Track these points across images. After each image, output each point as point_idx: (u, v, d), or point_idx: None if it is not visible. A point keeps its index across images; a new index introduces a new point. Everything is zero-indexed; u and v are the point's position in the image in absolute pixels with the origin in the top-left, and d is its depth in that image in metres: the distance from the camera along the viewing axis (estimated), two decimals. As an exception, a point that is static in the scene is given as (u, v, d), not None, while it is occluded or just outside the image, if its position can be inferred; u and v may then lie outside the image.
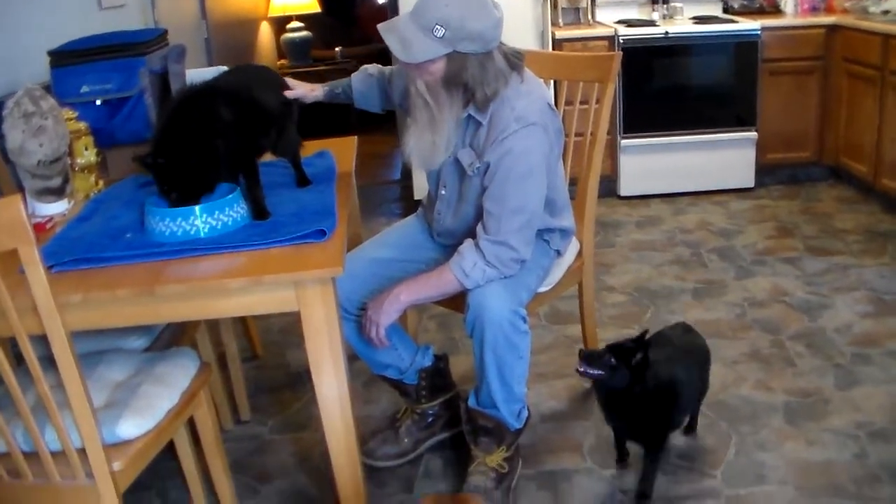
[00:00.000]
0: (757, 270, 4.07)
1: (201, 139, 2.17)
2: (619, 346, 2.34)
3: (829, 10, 5.40)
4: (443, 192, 2.49)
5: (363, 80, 2.68)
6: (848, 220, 4.69)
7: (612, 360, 2.32)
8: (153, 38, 3.08)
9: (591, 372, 2.34)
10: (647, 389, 2.33)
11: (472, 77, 2.20)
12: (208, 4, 5.39)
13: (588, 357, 2.36)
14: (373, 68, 2.71)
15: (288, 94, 2.52)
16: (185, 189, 2.17)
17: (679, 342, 2.55)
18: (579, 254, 2.86)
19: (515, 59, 2.28)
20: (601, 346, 3.06)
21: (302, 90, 2.58)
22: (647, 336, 2.36)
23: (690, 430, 2.74)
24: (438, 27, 2.11)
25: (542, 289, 2.61)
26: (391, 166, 6.57)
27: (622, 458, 2.62)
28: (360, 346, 2.56)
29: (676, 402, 2.45)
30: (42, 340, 1.84)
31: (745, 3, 5.51)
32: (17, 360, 2.19)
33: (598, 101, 2.82)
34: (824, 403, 2.90)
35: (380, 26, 2.21)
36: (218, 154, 2.20)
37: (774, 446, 2.69)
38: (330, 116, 4.87)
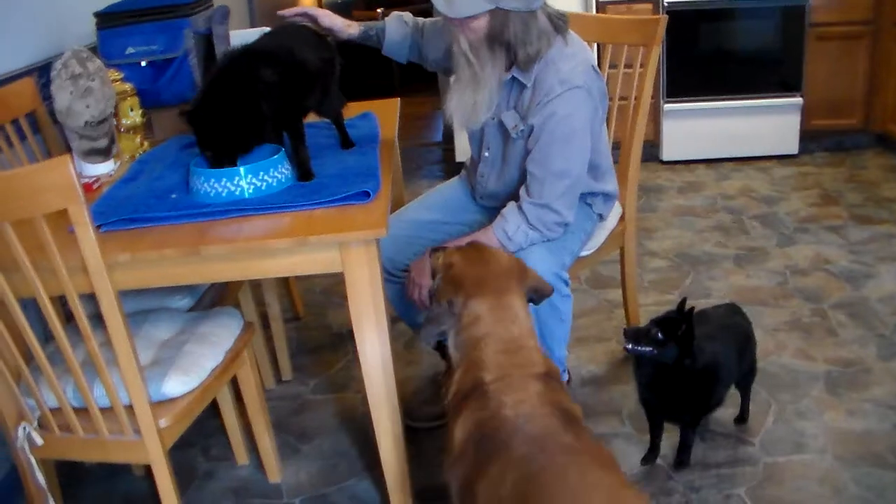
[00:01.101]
0: (799, 238, 4.02)
1: (245, 100, 2.19)
2: (664, 320, 2.27)
3: (880, -28, 5.26)
4: (486, 154, 2.48)
5: (397, 29, 2.62)
6: (894, 188, 4.61)
7: (659, 334, 2.25)
8: (197, 0, 3.08)
9: (641, 349, 2.27)
10: (689, 366, 2.28)
11: (515, 35, 2.19)
12: (251, -35, 5.38)
13: (634, 334, 2.28)
14: (408, 17, 2.65)
15: (322, 22, 2.48)
16: (221, 148, 2.18)
17: (721, 322, 2.50)
18: (621, 218, 2.84)
19: (560, 21, 2.27)
20: (641, 310, 3.08)
21: (339, 23, 2.53)
22: (689, 307, 2.29)
23: (742, 419, 2.66)
24: None
25: (585, 252, 2.60)
26: (433, 128, 6.55)
27: (654, 449, 2.53)
28: (403, 308, 2.58)
29: (715, 383, 2.39)
30: (90, 299, 1.87)
31: (793, -35, 5.40)
32: (66, 318, 2.23)
33: (642, 65, 2.79)
34: (866, 373, 2.88)
35: None
36: (261, 115, 2.21)
37: (814, 415, 2.68)
38: (372, 77, 4.86)
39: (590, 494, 1.46)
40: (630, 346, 2.28)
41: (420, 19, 2.65)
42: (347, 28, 2.54)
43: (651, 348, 2.26)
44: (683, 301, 2.29)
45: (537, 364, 1.76)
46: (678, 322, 2.26)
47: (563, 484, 1.47)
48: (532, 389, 1.68)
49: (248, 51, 2.30)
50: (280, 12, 2.51)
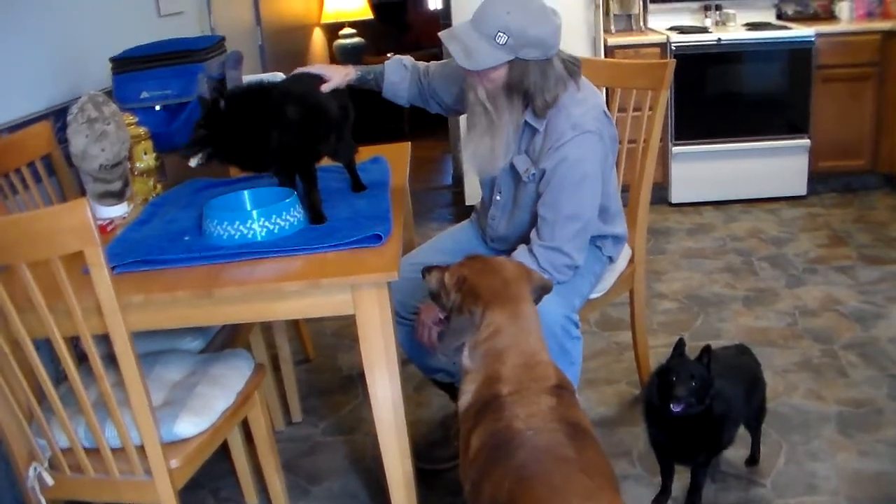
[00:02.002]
0: (809, 279, 4.03)
1: (258, 122, 2.25)
2: (682, 374, 2.23)
3: (886, 15, 5.31)
4: (497, 197, 2.50)
5: (396, 71, 2.61)
6: (903, 229, 4.62)
7: (686, 389, 2.21)
8: (211, 45, 3.13)
9: (688, 408, 2.24)
10: (699, 410, 2.28)
11: (534, 84, 2.22)
12: (263, 11, 5.46)
13: (677, 397, 2.22)
14: (407, 60, 2.65)
15: (324, 87, 2.45)
16: (218, 149, 2.24)
17: (730, 363, 2.49)
18: (631, 260, 2.85)
19: (573, 66, 2.29)
20: (651, 353, 3.08)
21: (337, 78, 2.48)
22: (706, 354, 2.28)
23: (753, 461, 2.65)
24: (501, 34, 2.13)
25: (595, 295, 2.61)
26: (443, 171, 6.60)
27: (665, 491, 2.51)
28: (412, 350, 2.59)
29: (723, 423, 2.37)
30: (101, 340, 1.89)
31: (798, 9, 5.46)
32: (77, 359, 2.24)
33: (650, 109, 2.82)
34: (877, 414, 2.87)
35: (441, 34, 2.23)
36: (266, 142, 2.26)
37: (826, 456, 2.67)
38: (382, 121, 4.90)
39: (568, 497, 1.59)
40: (679, 408, 2.23)
41: (422, 63, 2.67)
42: (345, 77, 2.51)
43: (691, 402, 2.24)
44: (707, 347, 2.28)
45: (551, 378, 1.86)
46: (694, 370, 2.25)
47: (545, 486, 1.62)
48: (545, 403, 1.79)
49: (280, 88, 2.36)
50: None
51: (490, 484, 1.70)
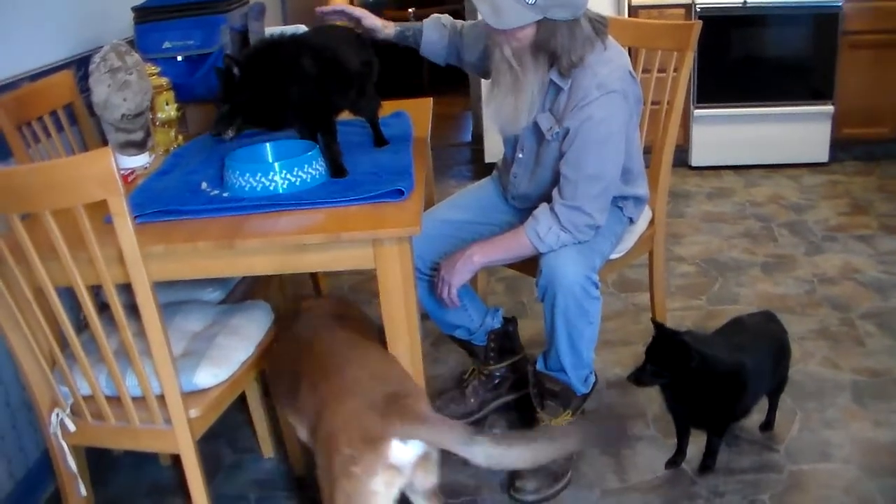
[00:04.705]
0: (828, 247, 4.01)
1: (277, 80, 2.24)
2: (652, 349, 2.31)
3: (916, -19, 5.21)
4: (520, 155, 2.49)
5: (435, 29, 2.61)
6: (925, 198, 4.59)
7: (651, 368, 2.30)
8: (234, -4, 3.12)
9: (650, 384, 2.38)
10: (713, 376, 2.29)
11: (561, 44, 2.19)
12: (285, -38, 5.42)
13: (636, 379, 2.33)
14: (446, 19, 2.65)
15: (365, 23, 2.48)
16: (236, 110, 2.24)
17: (755, 330, 2.49)
18: (651, 222, 2.84)
19: (600, 26, 2.27)
20: (668, 315, 3.08)
21: (378, 24, 2.53)
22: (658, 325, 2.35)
23: (767, 426, 2.66)
24: None
25: (614, 255, 2.61)
26: (463, 128, 6.55)
27: (679, 453, 2.53)
28: (431, 306, 2.59)
29: (742, 392, 2.38)
30: (122, 289, 1.89)
31: (827, -28, 5.36)
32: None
33: (675, 70, 2.79)
34: (893, 384, 2.86)
35: None
36: (286, 100, 2.26)
37: (840, 424, 2.67)
38: (402, 76, 4.87)
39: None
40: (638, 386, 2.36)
41: (459, 22, 2.66)
42: (385, 28, 2.54)
43: (657, 381, 2.34)
44: (658, 325, 2.33)
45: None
46: (666, 346, 2.29)
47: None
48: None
49: (295, 40, 2.34)
50: (319, 10, 2.52)
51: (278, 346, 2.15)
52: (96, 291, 2.17)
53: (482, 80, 4.95)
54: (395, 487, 1.72)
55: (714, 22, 4.78)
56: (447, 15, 2.67)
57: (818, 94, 5.04)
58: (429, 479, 1.79)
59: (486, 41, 2.40)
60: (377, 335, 2.13)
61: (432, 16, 2.65)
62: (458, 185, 5.05)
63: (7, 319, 2.01)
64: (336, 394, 1.81)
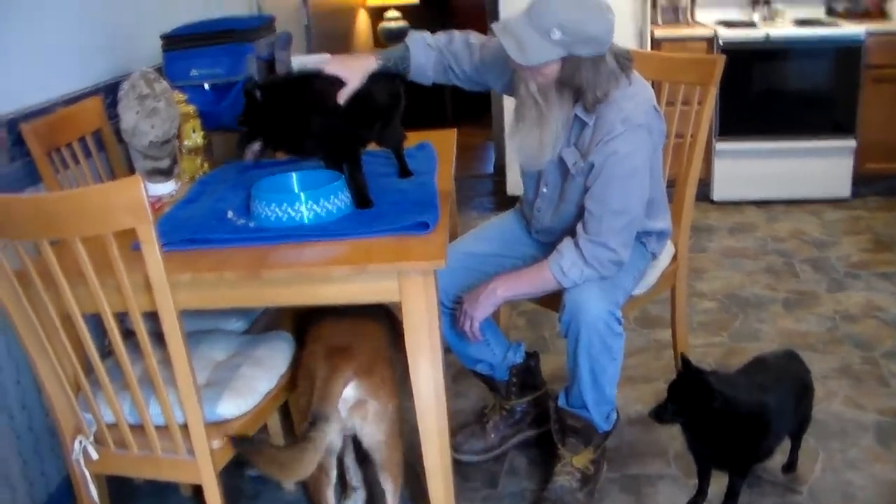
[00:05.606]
0: (850, 284, 3.98)
1: (302, 106, 2.26)
2: (675, 387, 2.30)
3: (940, 16, 5.21)
4: (544, 189, 2.49)
5: (422, 52, 2.49)
6: (949, 235, 4.55)
7: (672, 405, 2.28)
8: (261, 26, 3.14)
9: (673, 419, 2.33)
10: (736, 416, 2.27)
11: (586, 80, 2.20)
12: (310, -10, 5.47)
13: (657, 416, 2.31)
14: (430, 39, 2.52)
15: (340, 95, 2.31)
16: (256, 131, 2.29)
17: (778, 370, 2.47)
18: (674, 258, 2.83)
19: (625, 61, 2.27)
20: (690, 352, 3.06)
21: (355, 81, 2.33)
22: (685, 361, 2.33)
23: (790, 467, 2.62)
24: (555, 30, 2.10)
25: (637, 291, 2.60)
26: (485, 159, 6.54)
27: (700, 493, 2.49)
28: (453, 339, 2.59)
29: (765, 433, 2.35)
30: (147, 317, 1.90)
31: (848, 6, 5.36)
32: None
33: (699, 103, 2.79)
34: (918, 426, 2.84)
35: (494, 26, 2.21)
36: (306, 129, 2.28)
37: (864, 465, 2.64)
38: (424, 105, 4.88)
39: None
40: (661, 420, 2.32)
41: (442, 36, 2.54)
42: (366, 74, 2.37)
43: (679, 419, 2.31)
44: (686, 360, 2.30)
45: None
46: (689, 384, 2.27)
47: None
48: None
49: (322, 74, 2.35)
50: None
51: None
52: (121, 317, 2.17)
53: (505, 113, 5.01)
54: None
55: (736, 55, 4.77)
56: (425, 32, 2.56)
57: (840, 128, 5.03)
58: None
59: (503, 68, 2.39)
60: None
61: (413, 37, 2.53)
62: (480, 216, 5.06)
63: (34, 345, 2.01)
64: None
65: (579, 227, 2.30)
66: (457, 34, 2.54)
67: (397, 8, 7.60)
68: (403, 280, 1.99)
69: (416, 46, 2.50)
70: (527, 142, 2.32)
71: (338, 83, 2.33)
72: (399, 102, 2.49)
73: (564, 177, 2.40)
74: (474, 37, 2.52)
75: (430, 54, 2.52)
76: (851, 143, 5.02)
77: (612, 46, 2.23)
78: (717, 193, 5.20)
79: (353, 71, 2.35)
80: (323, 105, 2.29)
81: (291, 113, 2.27)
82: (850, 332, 3.50)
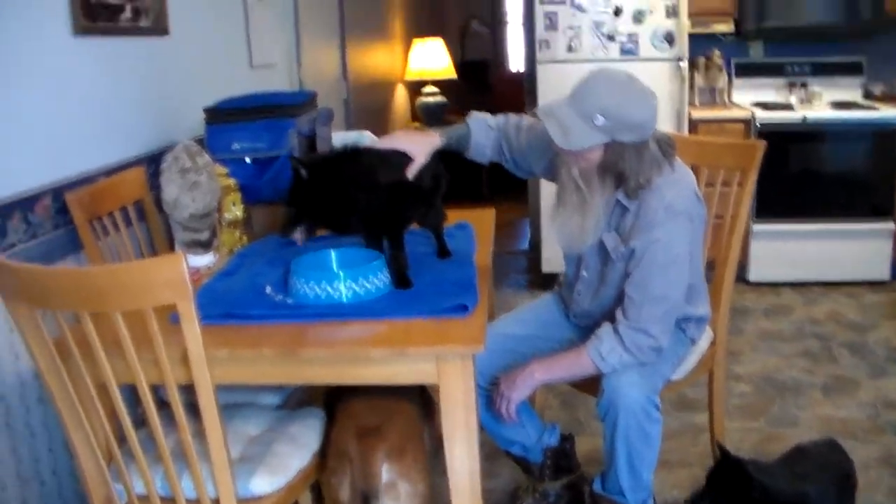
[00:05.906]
0: (891, 369, 3.91)
1: (349, 184, 2.27)
2: (714, 476, 2.29)
3: (978, 101, 5.19)
4: (584, 273, 2.48)
5: (482, 132, 2.54)
6: None
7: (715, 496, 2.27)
8: (304, 101, 3.18)
9: None
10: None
11: (629, 166, 2.21)
12: (350, 65, 5.55)
13: None
14: (491, 120, 2.56)
15: (409, 170, 2.33)
16: (302, 209, 2.29)
17: (819, 460, 2.43)
18: (712, 342, 2.80)
19: (668, 147, 2.28)
20: (726, 438, 3.01)
21: (421, 158, 2.34)
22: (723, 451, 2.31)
23: None
24: (599, 116, 2.12)
25: (675, 377, 2.57)
26: (519, 236, 6.54)
27: None
28: (488, 420, 2.56)
29: None
30: (182, 389, 1.89)
31: (885, 90, 5.37)
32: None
33: (739, 185, 2.78)
34: (963, 519, 2.76)
35: (538, 110, 2.22)
36: (352, 205, 2.28)
37: (907, 559, 2.57)
38: (462, 180, 4.90)
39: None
40: None
41: (502, 118, 2.58)
42: (431, 151, 2.39)
43: None
44: (724, 451, 2.26)
45: None
46: (728, 473, 2.24)
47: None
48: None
49: (373, 150, 2.37)
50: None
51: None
52: (155, 387, 2.17)
53: (542, 189, 5.03)
54: None
55: (773, 137, 4.77)
56: (487, 114, 2.60)
57: (878, 210, 5.00)
58: None
59: (548, 156, 2.40)
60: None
61: (476, 116, 2.57)
62: (515, 293, 5.04)
63: (69, 413, 2.00)
64: None
65: (618, 312, 2.29)
66: (512, 116, 2.58)
67: (435, 83, 7.69)
68: (442, 363, 1.97)
69: (477, 126, 2.54)
70: (568, 226, 2.32)
71: (405, 158, 2.34)
72: (441, 184, 2.50)
73: (605, 261, 2.40)
74: (526, 120, 2.54)
75: (490, 134, 2.56)
76: (890, 225, 4.99)
77: (655, 132, 2.24)
78: (754, 274, 5.16)
79: (420, 147, 2.36)
80: (373, 183, 2.30)
81: (338, 189, 2.28)
82: (892, 420, 3.42)
